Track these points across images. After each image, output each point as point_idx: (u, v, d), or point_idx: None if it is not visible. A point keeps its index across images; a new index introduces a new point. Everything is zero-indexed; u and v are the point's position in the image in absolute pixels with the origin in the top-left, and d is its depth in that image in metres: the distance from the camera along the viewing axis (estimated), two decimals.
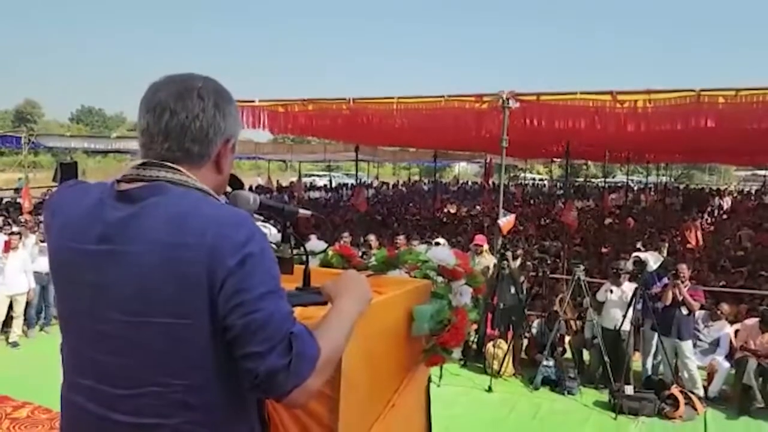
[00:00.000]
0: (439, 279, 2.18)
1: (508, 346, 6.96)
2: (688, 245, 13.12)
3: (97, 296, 1.13)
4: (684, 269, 6.53)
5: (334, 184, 32.33)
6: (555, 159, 32.11)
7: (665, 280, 6.66)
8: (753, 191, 34.99)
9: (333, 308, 1.27)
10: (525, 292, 7.43)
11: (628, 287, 6.72)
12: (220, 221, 1.10)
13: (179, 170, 1.18)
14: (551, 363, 6.63)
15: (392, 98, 8.76)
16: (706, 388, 6.38)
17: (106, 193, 1.17)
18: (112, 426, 1.13)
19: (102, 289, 1.12)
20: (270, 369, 1.07)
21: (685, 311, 6.38)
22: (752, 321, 6.61)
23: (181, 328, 1.09)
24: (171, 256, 1.08)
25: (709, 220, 19.65)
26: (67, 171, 15.96)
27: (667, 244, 11.65)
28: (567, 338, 7.47)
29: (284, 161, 32.14)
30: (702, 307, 6.87)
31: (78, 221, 1.17)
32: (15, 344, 7.49)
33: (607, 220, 17.84)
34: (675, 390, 5.98)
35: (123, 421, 1.13)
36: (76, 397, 1.18)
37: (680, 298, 6.35)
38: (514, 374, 6.95)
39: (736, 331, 6.78)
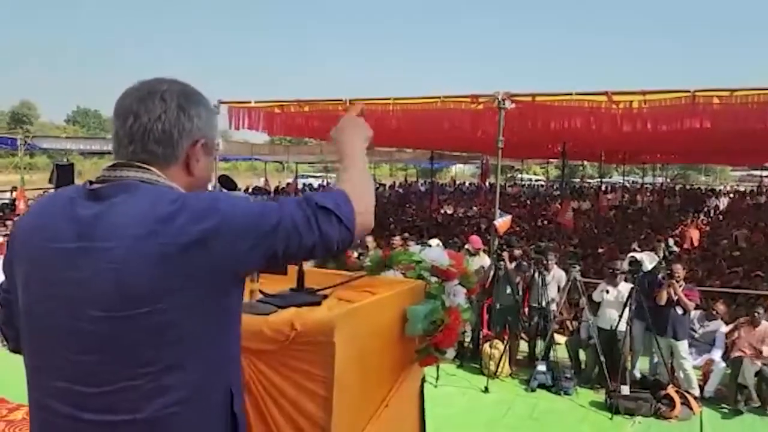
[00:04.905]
0: (433, 279, 2.19)
1: (505, 347, 6.96)
2: (685, 246, 13.17)
3: (73, 294, 1.13)
4: (679, 269, 6.54)
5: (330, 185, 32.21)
6: (551, 160, 32.19)
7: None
8: (748, 191, 35.05)
9: (343, 169, 1.40)
10: (521, 292, 7.43)
11: (624, 287, 6.72)
12: (186, 202, 1.14)
13: (149, 169, 1.20)
14: (544, 368, 6.63)
15: (388, 99, 8.76)
16: (702, 388, 6.39)
17: (77, 194, 1.20)
18: (84, 427, 1.13)
19: (77, 287, 1.13)
20: (338, 240, 1.21)
21: (680, 311, 6.40)
22: (743, 319, 6.66)
23: (159, 314, 1.11)
24: (142, 247, 1.09)
25: (705, 221, 19.69)
26: (63, 172, 15.90)
27: (663, 245, 11.66)
28: (563, 338, 7.48)
29: (281, 162, 32.08)
30: (697, 307, 6.88)
31: (50, 222, 1.19)
32: None
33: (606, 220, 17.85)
34: (671, 390, 5.99)
35: (94, 420, 1.12)
36: (49, 400, 1.17)
37: (675, 298, 6.37)
38: (510, 375, 6.95)
39: (730, 331, 6.80)
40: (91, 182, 1.21)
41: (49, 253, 1.17)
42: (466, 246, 8.21)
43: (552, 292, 7.18)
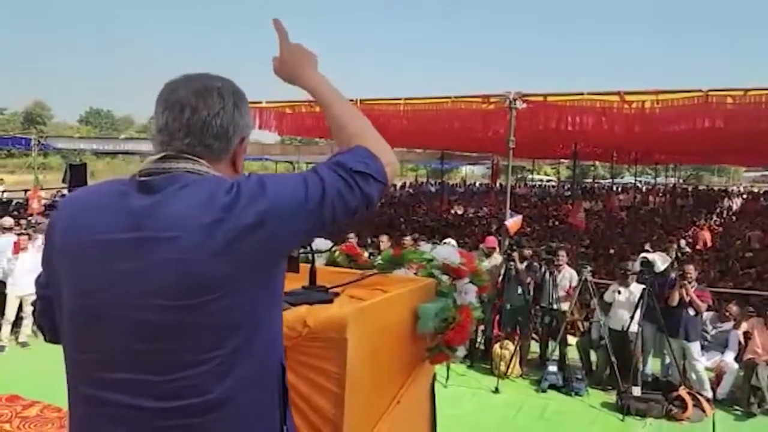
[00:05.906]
0: (444, 277, 2.19)
1: (515, 347, 6.95)
2: (697, 247, 13.07)
3: (131, 285, 1.12)
4: (691, 270, 6.50)
5: None
6: (562, 160, 32.07)
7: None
8: (762, 192, 34.73)
9: (326, 108, 1.42)
10: (531, 293, 7.42)
11: (636, 288, 6.69)
12: (240, 188, 1.15)
13: (199, 161, 1.21)
14: (555, 369, 6.60)
15: (399, 99, 8.77)
16: (714, 390, 6.34)
17: (126, 185, 1.19)
18: (149, 415, 1.13)
19: (136, 277, 1.12)
20: (377, 196, 1.27)
21: (692, 312, 6.36)
22: (758, 320, 6.61)
23: (225, 300, 1.12)
24: (208, 236, 1.10)
25: (717, 222, 19.54)
26: (77, 172, 16.09)
27: (675, 246, 11.59)
28: (574, 339, 7.45)
29: (291, 162, 32.19)
30: (709, 308, 6.83)
31: (97, 215, 1.18)
32: (25, 344, 7.55)
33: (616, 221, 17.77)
34: (683, 391, 5.95)
35: (161, 407, 1.12)
36: (104, 393, 1.15)
37: (687, 299, 6.33)
38: (521, 375, 6.94)
39: (745, 332, 6.75)
40: (139, 174, 1.20)
41: (99, 246, 1.15)
42: (481, 246, 8.20)
43: (562, 291, 7.16)
